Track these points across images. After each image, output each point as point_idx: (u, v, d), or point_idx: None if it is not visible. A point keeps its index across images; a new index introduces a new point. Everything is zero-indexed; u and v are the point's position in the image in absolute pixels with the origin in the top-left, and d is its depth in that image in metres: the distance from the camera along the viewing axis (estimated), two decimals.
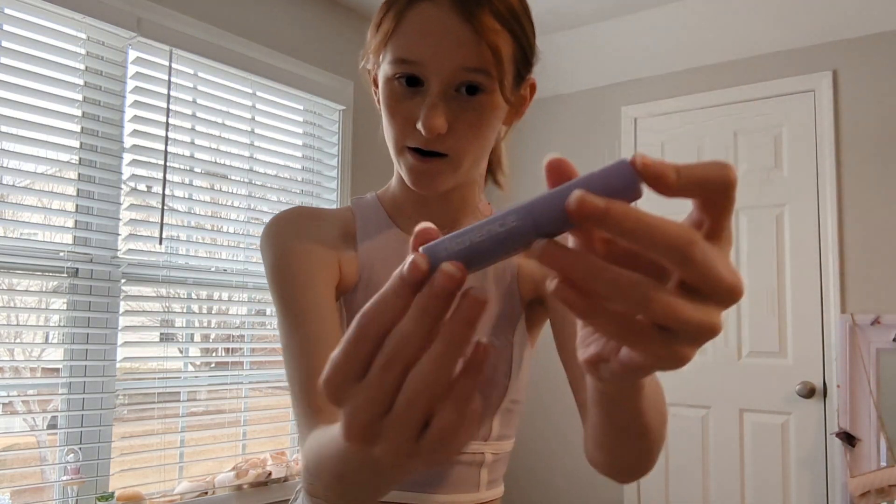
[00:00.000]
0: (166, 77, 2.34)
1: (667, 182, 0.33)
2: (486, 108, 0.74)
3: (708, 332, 0.35)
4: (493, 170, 0.92)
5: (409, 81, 0.73)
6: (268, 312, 2.68)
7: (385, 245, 0.83)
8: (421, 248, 0.35)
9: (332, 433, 0.57)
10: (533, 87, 0.82)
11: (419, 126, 0.72)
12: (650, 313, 0.33)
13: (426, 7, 0.71)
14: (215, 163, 2.53)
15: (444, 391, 0.35)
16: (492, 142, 0.78)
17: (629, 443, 0.58)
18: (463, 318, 0.34)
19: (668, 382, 3.01)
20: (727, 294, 0.34)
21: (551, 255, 0.33)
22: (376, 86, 0.82)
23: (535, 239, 0.34)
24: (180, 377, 2.40)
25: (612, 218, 0.32)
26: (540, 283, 0.84)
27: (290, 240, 0.78)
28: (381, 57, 0.76)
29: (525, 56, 0.77)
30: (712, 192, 0.34)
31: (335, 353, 0.36)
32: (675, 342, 0.35)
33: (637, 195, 0.33)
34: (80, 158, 2.14)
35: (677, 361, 0.36)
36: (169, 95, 2.34)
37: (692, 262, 0.33)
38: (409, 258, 0.34)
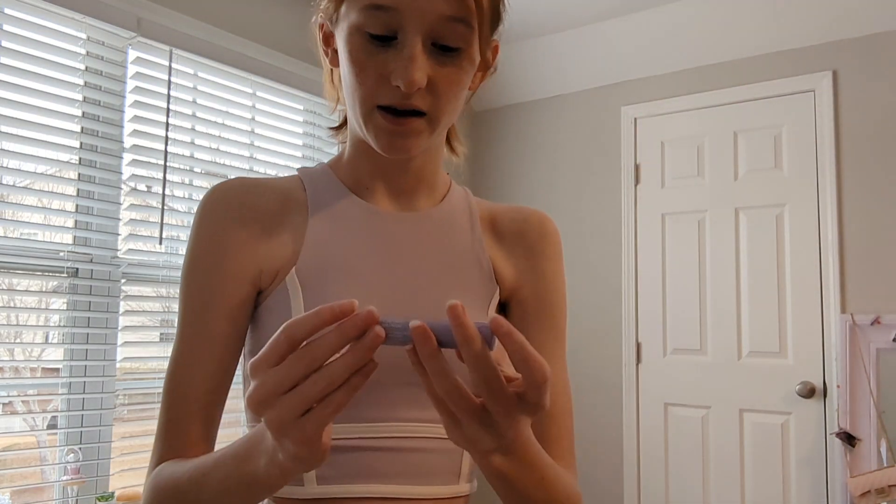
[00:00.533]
0: (166, 77, 2.34)
1: (509, 338, 0.48)
2: (463, 63, 0.67)
3: (512, 426, 0.52)
4: (448, 139, 0.85)
5: (381, 32, 0.65)
6: None
7: (344, 213, 0.75)
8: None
9: (196, 461, 0.62)
10: (496, 50, 0.76)
11: (395, 81, 0.64)
12: (443, 393, 0.49)
13: None
14: (215, 163, 2.53)
15: (333, 390, 0.47)
16: (463, 102, 0.72)
17: None
18: (367, 345, 0.47)
19: (669, 382, 3.01)
20: (536, 406, 0.50)
21: (417, 339, 0.48)
22: (327, 44, 0.75)
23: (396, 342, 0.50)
24: None
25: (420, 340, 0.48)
26: (511, 287, 0.80)
27: (215, 233, 0.71)
28: (343, 7, 0.68)
29: (497, 11, 0.71)
30: (521, 369, 0.49)
31: (265, 347, 0.48)
32: (459, 427, 0.52)
33: (490, 346, 0.49)
34: (80, 158, 2.14)
35: (483, 441, 0.52)
36: (169, 95, 2.34)
37: (497, 395, 0.49)
38: (341, 301, 0.47)
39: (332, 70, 0.79)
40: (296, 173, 0.81)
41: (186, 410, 0.69)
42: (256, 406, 0.48)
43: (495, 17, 0.71)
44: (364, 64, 0.66)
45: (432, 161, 0.78)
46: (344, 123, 0.83)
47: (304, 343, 0.48)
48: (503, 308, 0.81)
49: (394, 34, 0.65)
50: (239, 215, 0.72)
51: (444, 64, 0.66)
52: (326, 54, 0.76)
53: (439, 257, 0.76)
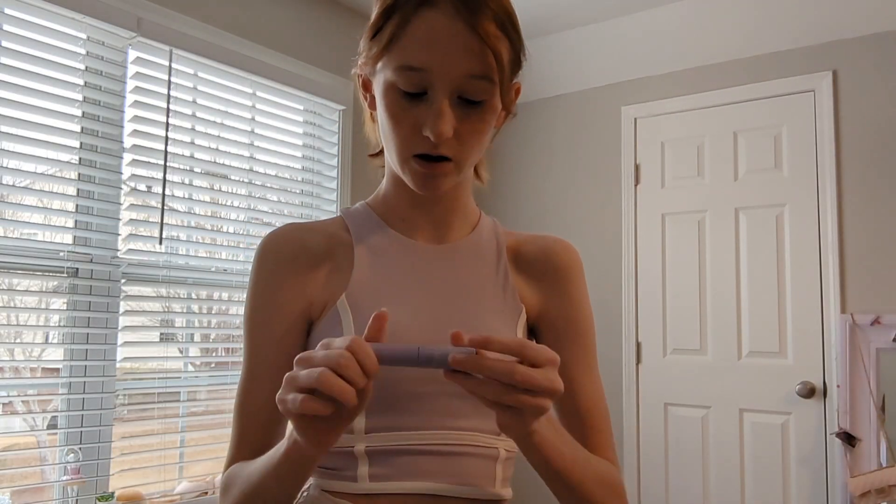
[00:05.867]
0: (166, 77, 2.34)
1: (483, 347, 0.61)
2: (486, 113, 0.76)
3: (536, 408, 0.62)
4: (476, 168, 0.94)
5: (413, 90, 0.73)
6: None
7: (382, 246, 0.85)
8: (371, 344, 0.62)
9: (255, 461, 0.76)
10: (518, 90, 0.84)
11: (426, 132, 0.73)
12: (494, 394, 0.61)
13: (431, 15, 0.72)
14: (215, 163, 2.53)
15: (325, 391, 0.58)
16: (487, 143, 0.81)
17: (565, 495, 0.75)
18: (361, 374, 0.59)
19: (669, 382, 3.01)
20: (547, 391, 0.61)
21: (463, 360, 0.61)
22: (366, 90, 0.84)
23: (421, 363, 0.62)
24: (180, 377, 2.40)
25: (481, 363, 0.60)
26: (537, 311, 0.87)
27: (268, 278, 0.83)
28: (379, 63, 0.76)
29: (518, 60, 0.79)
30: (516, 354, 0.61)
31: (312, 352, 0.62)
32: (517, 414, 0.62)
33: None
34: (80, 158, 2.14)
35: (515, 425, 0.64)
36: (169, 95, 2.34)
37: (517, 378, 0.59)
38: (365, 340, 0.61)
39: (370, 112, 0.88)
40: (339, 214, 0.91)
41: (252, 426, 0.81)
42: (283, 385, 0.61)
43: (516, 65, 0.79)
44: (399, 117, 0.75)
45: (462, 192, 0.87)
46: (381, 152, 0.90)
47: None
48: (533, 332, 0.89)
49: (424, 91, 0.73)
50: (288, 260, 0.83)
51: (469, 115, 0.75)
52: (365, 98, 0.85)
53: (468, 283, 0.85)
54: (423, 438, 0.77)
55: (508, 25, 0.75)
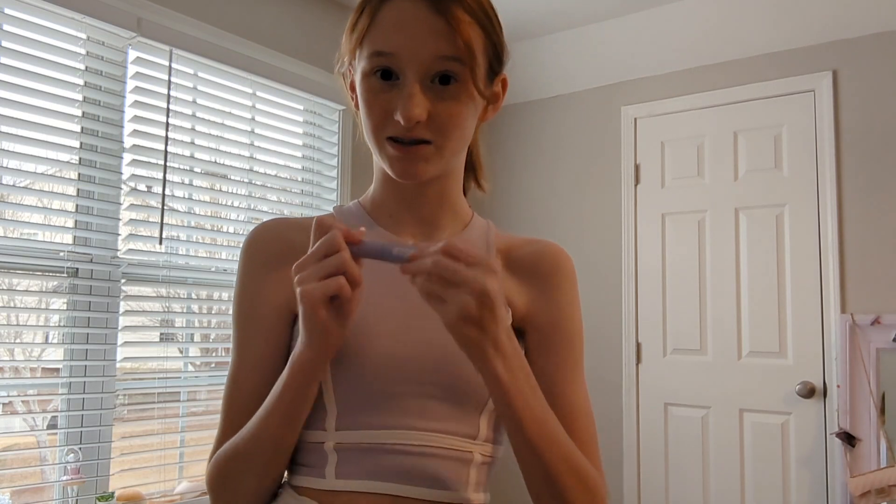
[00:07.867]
0: (166, 77, 2.34)
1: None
2: (461, 97, 0.76)
3: (456, 299, 0.64)
4: (474, 173, 0.93)
5: (384, 74, 0.75)
6: None
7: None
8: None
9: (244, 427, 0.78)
10: (504, 84, 0.85)
11: (397, 116, 0.74)
12: (423, 285, 0.66)
13: (400, 2, 0.74)
14: (215, 163, 2.53)
15: (333, 275, 0.66)
16: (470, 133, 0.81)
17: (527, 460, 0.72)
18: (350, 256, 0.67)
19: (669, 382, 3.01)
20: (466, 283, 0.64)
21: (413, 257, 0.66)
22: (352, 90, 0.85)
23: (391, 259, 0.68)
24: (180, 377, 2.40)
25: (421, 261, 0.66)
26: (522, 315, 0.85)
27: (253, 271, 0.84)
28: (356, 57, 0.78)
29: (496, 51, 0.80)
30: (444, 255, 0.66)
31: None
32: (446, 308, 0.65)
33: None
34: (80, 158, 2.14)
35: (455, 326, 0.65)
36: (169, 95, 2.34)
37: (440, 269, 0.64)
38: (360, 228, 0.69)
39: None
40: (331, 211, 0.92)
41: (240, 417, 0.80)
42: (295, 268, 0.67)
43: (494, 57, 0.80)
44: (372, 103, 0.76)
45: (450, 189, 0.86)
46: None
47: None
48: (520, 334, 0.85)
49: (397, 75, 0.75)
50: (273, 257, 0.84)
51: (443, 98, 0.75)
52: (353, 99, 0.85)
53: None
54: (393, 438, 0.77)
55: (481, 14, 0.77)
